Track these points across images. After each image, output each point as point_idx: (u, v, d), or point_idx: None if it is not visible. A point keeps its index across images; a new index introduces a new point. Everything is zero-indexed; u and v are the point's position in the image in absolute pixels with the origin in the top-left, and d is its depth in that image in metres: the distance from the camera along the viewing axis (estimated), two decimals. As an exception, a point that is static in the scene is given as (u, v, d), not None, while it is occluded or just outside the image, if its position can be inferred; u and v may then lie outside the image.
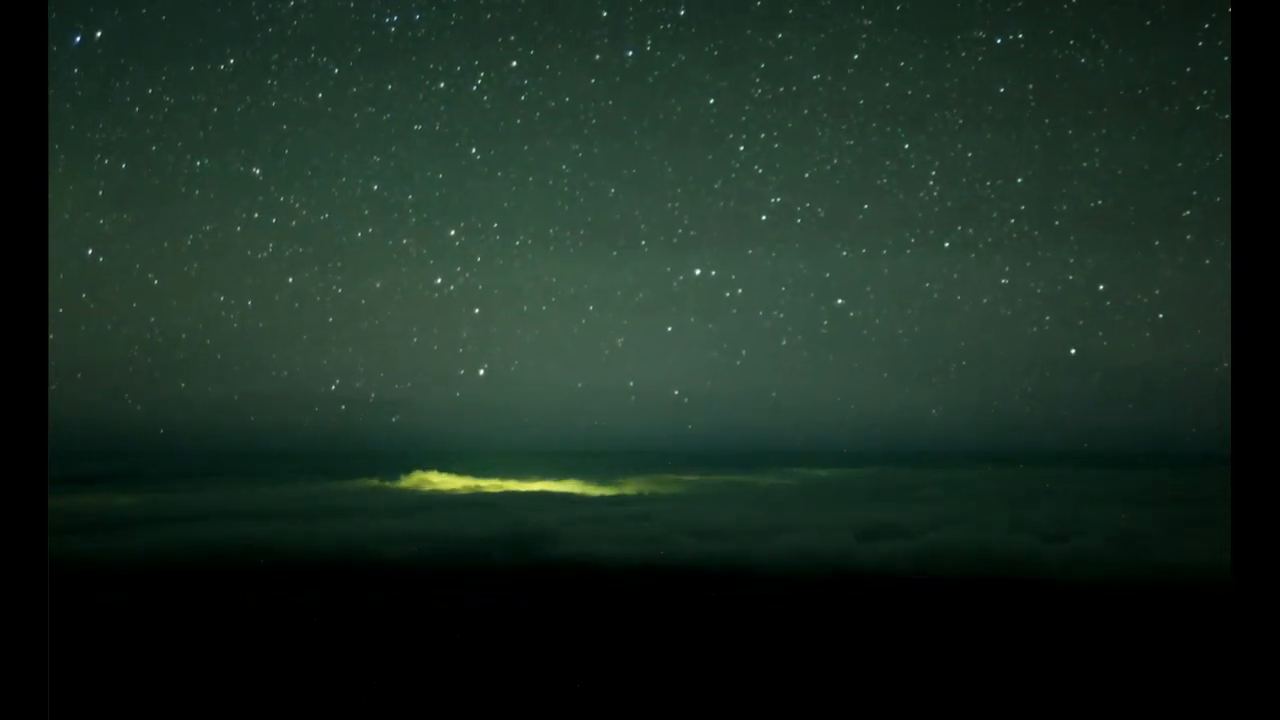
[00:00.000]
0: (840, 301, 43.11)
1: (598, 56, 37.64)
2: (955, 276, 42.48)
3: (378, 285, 43.83)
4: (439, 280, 42.98)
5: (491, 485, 44.33)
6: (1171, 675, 10.26)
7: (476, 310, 43.85)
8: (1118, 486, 40.41)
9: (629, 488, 44.69)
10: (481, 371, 44.91)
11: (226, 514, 26.45)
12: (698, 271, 42.84)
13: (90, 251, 39.34)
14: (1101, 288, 39.55)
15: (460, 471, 51.03)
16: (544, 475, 51.07)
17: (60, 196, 38.44)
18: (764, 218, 40.47)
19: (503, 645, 11.68)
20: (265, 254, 40.60)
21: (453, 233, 42.93)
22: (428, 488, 43.86)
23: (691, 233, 41.92)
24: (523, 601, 15.42)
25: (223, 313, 41.87)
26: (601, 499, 36.02)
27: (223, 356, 43.11)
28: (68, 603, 13.83)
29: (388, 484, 45.16)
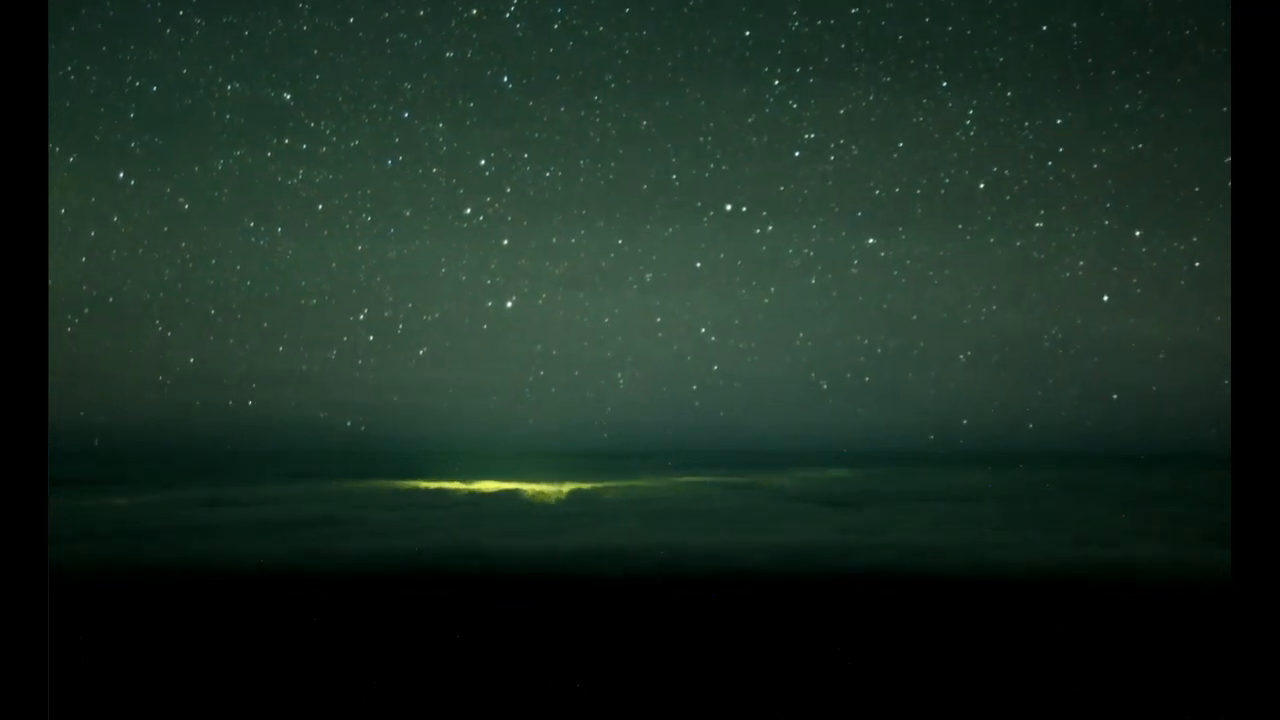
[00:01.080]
0: (871, 241, 42.98)
1: (632, -14, 37.76)
2: (989, 219, 42.24)
3: (407, 214, 43.86)
4: (468, 210, 43.04)
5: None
6: (1171, 674, 10.26)
7: (505, 241, 43.93)
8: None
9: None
10: (509, 304, 44.99)
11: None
12: (728, 207, 42.78)
13: (121, 174, 39.65)
14: (1138, 233, 39.22)
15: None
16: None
17: (92, 118, 38.79)
18: (797, 154, 40.58)
19: (503, 645, 11.68)
20: (295, 180, 40.97)
21: (483, 162, 43.01)
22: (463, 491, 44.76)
23: (723, 167, 41.87)
24: (523, 601, 15.41)
25: (253, 239, 42.15)
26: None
27: (251, 282, 43.43)
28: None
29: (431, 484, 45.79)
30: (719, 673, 10.31)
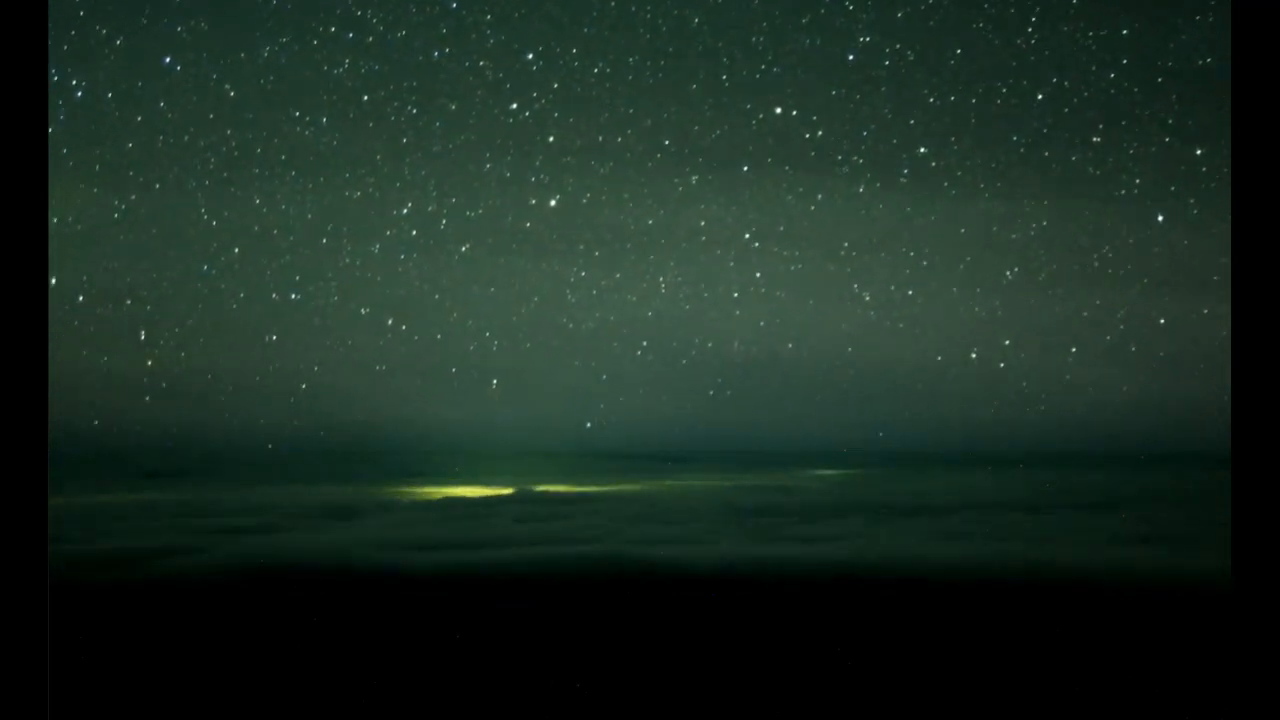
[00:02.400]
0: (922, 150, 41.62)
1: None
2: (1044, 131, 40.77)
3: (452, 108, 42.89)
4: (514, 106, 41.88)
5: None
6: (1170, 673, 10.26)
7: (551, 139, 42.82)
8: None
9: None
10: (553, 202, 44.05)
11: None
12: (778, 110, 41.33)
13: (168, 59, 39.21)
14: (1199, 152, 37.76)
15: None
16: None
17: (140, 1, 38.46)
18: (851, 58, 39.11)
19: (503, 645, 11.68)
20: (341, 70, 40.17)
21: (530, 56, 41.80)
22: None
23: (775, 70, 40.50)
24: (522, 602, 15.41)
25: (297, 128, 41.47)
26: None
27: (296, 173, 42.78)
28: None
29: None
30: (719, 673, 10.31)
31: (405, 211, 45.30)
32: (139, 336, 47.24)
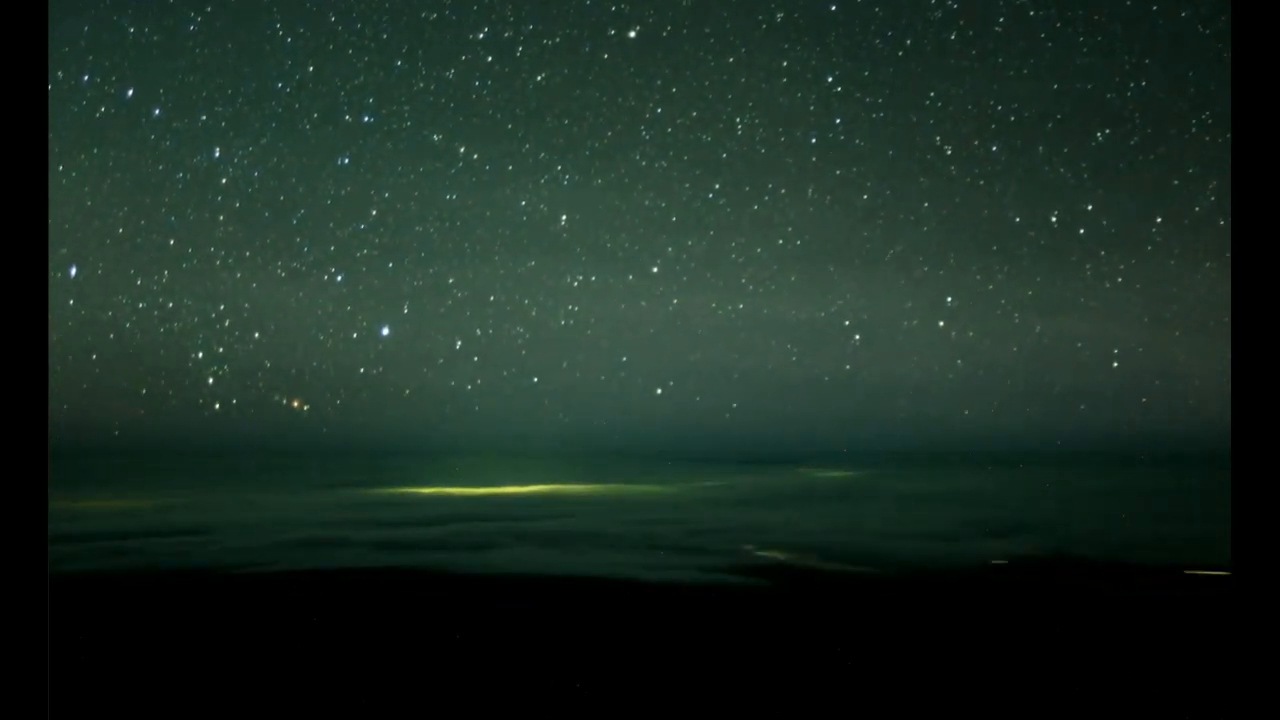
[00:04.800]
0: None
1: None
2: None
3: None
4: None
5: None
6: (1170, 668, 10.26)
7: None
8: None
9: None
10: (632, 33, 42.67)
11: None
12: None
13: None
14: None
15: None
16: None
17: None
18: None
19: (503, 645, 11.67)
20: None
21: None
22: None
23: None
24: (523, 601, 15.42)
25: None
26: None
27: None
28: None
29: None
30: (719, 673, 10.31)
31: (481, 36, 44.72)
32: (213, 154, 48.26)
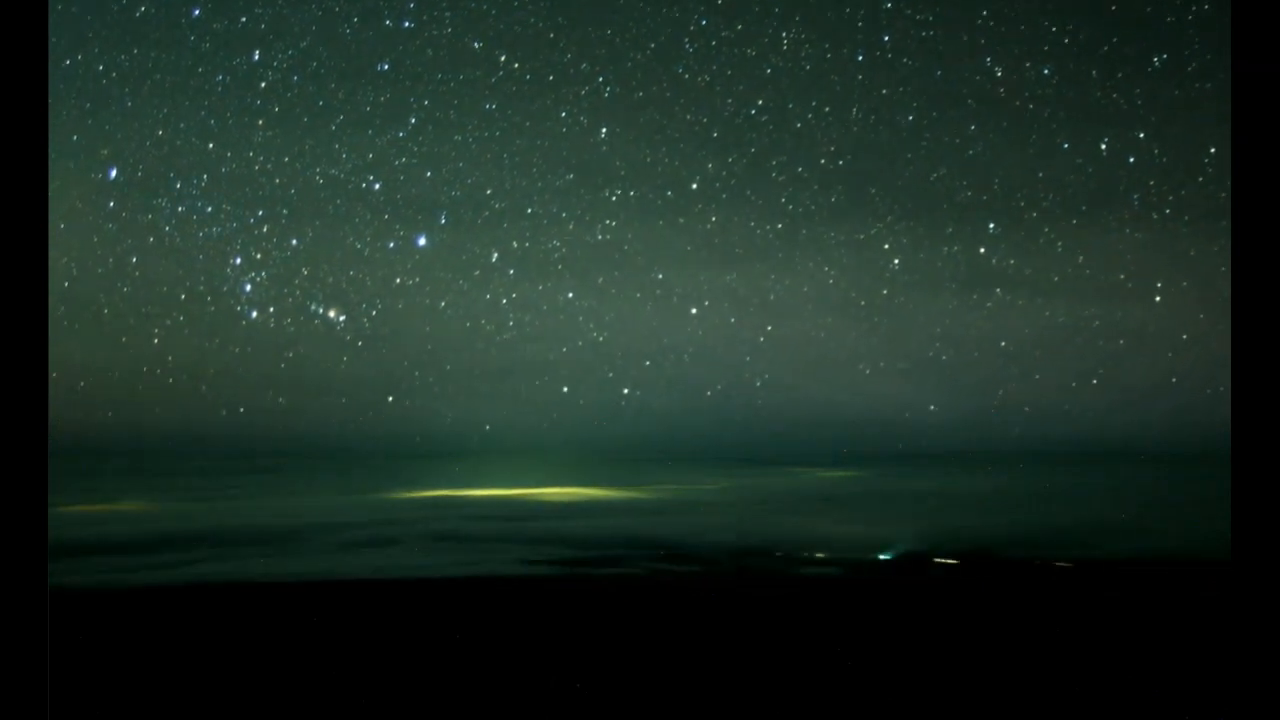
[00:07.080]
0: None
1: None
2: None
3: None
4: None
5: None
6: (1171, 672, 10.26)
7: None
8: None
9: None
10: None
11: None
12: None
13: None
14: None
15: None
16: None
17: None
18: None
19: (503, 645, 11.66)
20: None
21: None
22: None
23: None
24: (523, 601, 15.41)
25: None
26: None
27: None
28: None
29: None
30: (719, 673, 10.31)
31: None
32: (253, 56, 47.24)
